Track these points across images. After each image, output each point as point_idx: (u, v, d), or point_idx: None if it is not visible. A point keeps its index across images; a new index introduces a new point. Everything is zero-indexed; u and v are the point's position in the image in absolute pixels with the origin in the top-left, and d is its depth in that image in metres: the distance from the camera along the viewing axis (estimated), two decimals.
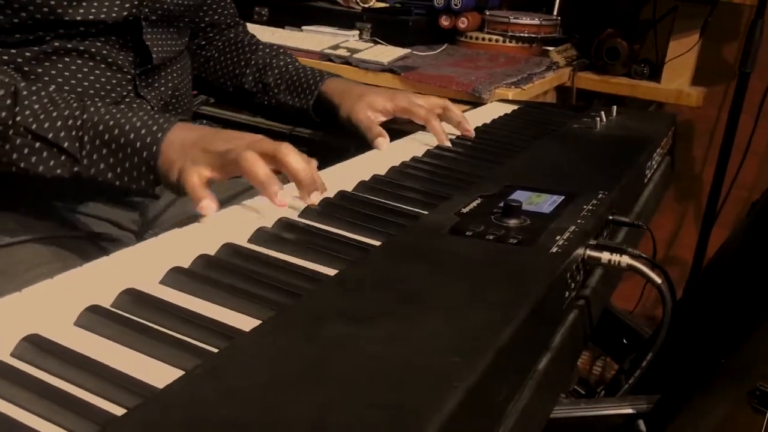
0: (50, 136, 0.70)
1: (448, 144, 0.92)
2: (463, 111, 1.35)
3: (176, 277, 0.50)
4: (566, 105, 1.50)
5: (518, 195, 0.70)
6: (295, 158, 0.66)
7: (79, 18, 0.80)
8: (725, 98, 1.88)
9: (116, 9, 0.83)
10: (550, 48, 1.79)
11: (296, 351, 0.40)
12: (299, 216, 0.65)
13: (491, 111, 1.21)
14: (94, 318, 0.43)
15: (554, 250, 0.56)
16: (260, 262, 0.54)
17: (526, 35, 1.72)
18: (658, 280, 0.58)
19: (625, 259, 0.60)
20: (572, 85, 1.69)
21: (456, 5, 1.72)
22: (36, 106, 0.70)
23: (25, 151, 0.70)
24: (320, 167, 0.82)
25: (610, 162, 0.87)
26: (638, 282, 2.33)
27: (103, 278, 0.49)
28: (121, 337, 0.42)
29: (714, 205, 1.61)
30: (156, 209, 0.99)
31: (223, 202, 0.67)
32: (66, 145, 0.70)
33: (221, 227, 0.60)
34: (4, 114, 0.69)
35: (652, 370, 0.62)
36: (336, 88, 1.00)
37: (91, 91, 0.85)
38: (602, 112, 1.09)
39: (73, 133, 0.70)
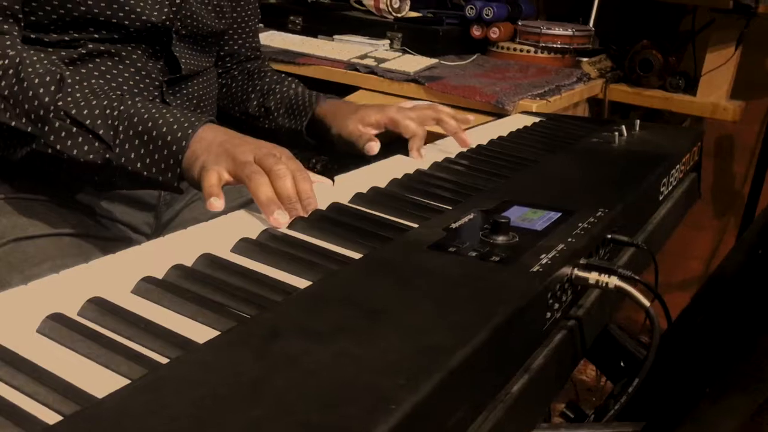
0: (88, 122, 0.73)
1: (420, 159, 0.91)
2: (485, 122, 1.34)
3: (147, 287, 0.50)
4: (590, 119, 1.47)
5: (513, 211, 0.69)
6: (282, 183, 0.67)
7: (114, 20, 0.83)
8: None
9: (155, 14, 0.86)
10: (584, 59, 1.76)
11: (242, 366, 0.40)
12: (288, 227, 0.65)
13: (513, 123, 1.19)
14: (55, 326, 0.44)
15: (535, 269, 0.54)
16: (235, 273, 0.54)
17: (558, 46, 1.69)
18: (647, 303, 0.56)
19: (614, 281, 0.58)
20: (604, 97, 1.66)
21: (488, 15, 1.71)
22: (78, 95, 0.74)
23: (63, 134, 0.74)
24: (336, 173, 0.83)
25: (621, 178, 0.85)
26: (674, 299, 2.27)
27: (79, 285, 0.50)
28: (76, 345, 0.42)
29: (749, 222, 1.56)
30: (170, 212, 1.01)
31: (234, 208, 0.69)
32: (101, 132, 0.73)
33: (212, 234, 0.61)
34: (47, 99, 0.73)
35: (644, 395, 0.59)
36: (329, 108, 1.01)
37: (119, 92, 0.88)
38: (623, 127, 1.06)
39: (109, 122, 0.74)
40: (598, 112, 1.72)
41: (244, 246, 0.59)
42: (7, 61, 0.73)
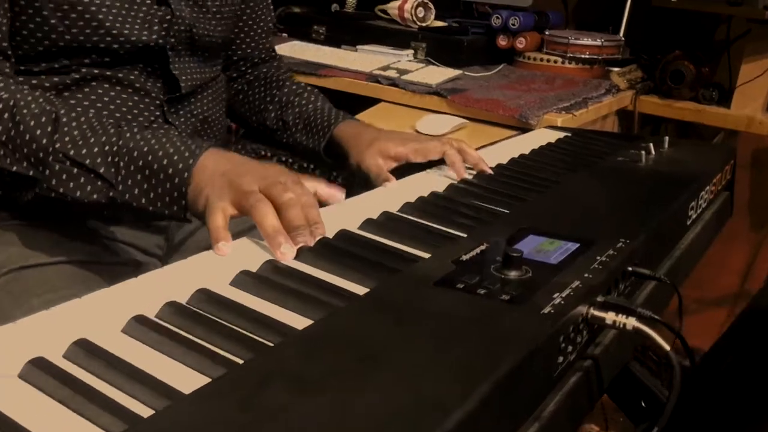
0: (87, 162, 0.72)
1: (467, 176, 0.88)
2: (509, 137, 1.31)
3: (137, 326, 0.48)
4: (617, 134, 1.43)
5: (529, 241, 0.66)
6: (292, 214, 0.64)
7: (102, 45, 0.81)
8: None
9: (144, 34, 0.84)
10: (615, 69, 1.71)
11: (225, 420, 0.37)
12: (295, 257, 0.63)
13: (537, 138, 1.16)
14: (36, 372, 0.42)
15: (547, 310, 0.51)
16: (232, 310, 0.52)
17: (586, 56, 1.65)
18: (666, 348, 0.52)
19: (632, 322, 0.54)
20: (634, 109, 1.61)
21: (514, 25, 1.67)
22: (75, 132, 0.72)
23: (64, 176, 0.72)
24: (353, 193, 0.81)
25: (645, 203, 0.81)
26: (709, 315, 2.20)
27: (68, 324, 0.48)
28: (56, 392, 0.41)
29: None
30: (182, 234, 0.99)
31: (240, 234, 0.67)
32: (102, 170, 0.72)
33: (212, 265, 0.59)
34: (45, 141, 0.71)
35: None
36: (347, 133, 0.97)
37: (117, 115, 0.86)
38: (650, 145, 1.02)
39: (110, 159, 0.72)
40: (628, 125, 1.67)
41: (244, 280, 0.57)
42: (1, 105, 0.71)
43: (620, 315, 0.55)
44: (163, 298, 0.52)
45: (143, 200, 0.72)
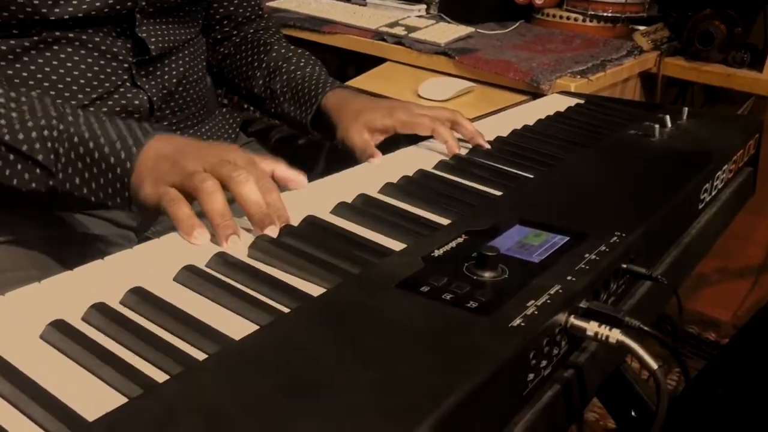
0: (24, 148, 0.66)
1: (459, 152, 0.81)
2: (520, 102, 1.23)
3: (54, 334, 0.43)
4: (634, 102, 1.33)
5: (513, 233, 0.60)
6: (248, 189, 0.58)
7: (66, 16, 0.75)
8: None
9: (102, 3, 0.77)
10: (640, 28, 1.60)
11: None
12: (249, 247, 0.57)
13: (546, 105, 1.08)
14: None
15: (516, 322, 0.46)
16: (164, 315, 0.47)
17: (609, 14, 1.55)
18: (654, 366, 0.46)
19: (615, 334, 0.48)
20: (658, 72, 1.51)
21: None
22: (14, 115, 0.66)
23: (0, 163, 0.66)
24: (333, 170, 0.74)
25: (651, 187, 0.74)
26: (732, 287, 2.11)
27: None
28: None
29: None
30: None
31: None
32: (41, 157, 0.66)
33: (160, 254, 0.54)
34: None
35: None
36: (335, 103, 0.89)
37: (82, 81, 0.80)
38: (667, 117, 0.94)
39: (49, 144, 0.66)
40: (652, 89, 1.57)
41: (187, 276, 0.51)
42: None
43: (603, 326, 0.49)
44: (91, 298, 0.47)
45: (85, 190, 0.66)
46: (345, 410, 0.37)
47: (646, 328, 0.50)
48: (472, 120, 0.90)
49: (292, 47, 1.03)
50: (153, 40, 0.83)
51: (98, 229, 0.86)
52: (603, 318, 0.50)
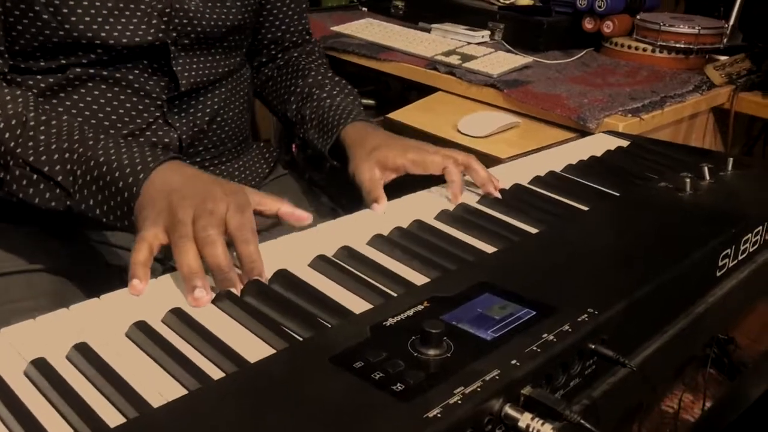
0: (46, 169, 0.71)
1: (458, 200, 0.79)
2: (563, 141, 1.18)
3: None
4: (683, 147, 1.24)
5: (480, 302, 0.58)
6: (210, 251, 0.60)
7: (98, 42, 0.79)
8: None
9: (140, 34, 0.81)
10: (721, 58, 1.51)
11: None
12: (213, 301, 0.58)
13: (591, 146, 1.03)
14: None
15: (434, 413, 0.44)
16: (98, 374, 0.48)
17: (681, 45, 1.47)
18: None
19: (547, 429, 0.46)
20: (731, 108, 1.42)
21: (600, 7, 1.51)
22: (41, 137, 0.72)
23: (24, 182, 0.72)
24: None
25: (655, 253, 0.69)
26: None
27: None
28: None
29: None
30: None
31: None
32: (60, 178, 0.71)
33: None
34: (12, 145, 0.72)
35: None
36: (353, 135, 0.89)
37: (114, 117, 0.84)
38: (705, 167, 0.88)
39: (68, 167, 0.71)
40: (726, 127, 1.48)
41: (136, 334, 0.53)
42: None
43: (537, 419, 0.46)
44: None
45: (97, 211, 0.70)
46: None
47: (587, 425, 0.47)
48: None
49: (330, 74, 1.03)
50: (186, 74, 0.86)
51: (120, 261, 0.89)
52: (542, 409, 0.47)
